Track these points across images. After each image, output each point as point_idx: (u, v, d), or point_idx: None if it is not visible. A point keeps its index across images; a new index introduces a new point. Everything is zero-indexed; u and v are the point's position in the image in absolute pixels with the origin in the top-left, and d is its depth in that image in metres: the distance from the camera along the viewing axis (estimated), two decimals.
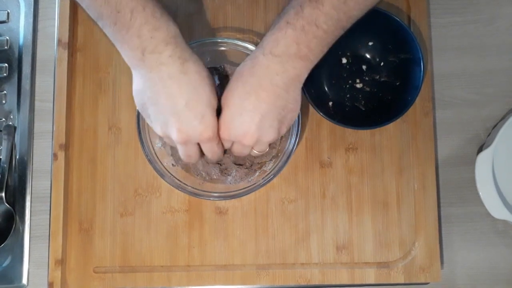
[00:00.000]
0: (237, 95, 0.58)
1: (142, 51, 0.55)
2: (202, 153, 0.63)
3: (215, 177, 0.70)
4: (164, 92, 0.56)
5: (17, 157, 0.74)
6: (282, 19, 0.56)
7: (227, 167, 0.69)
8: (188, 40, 0.69)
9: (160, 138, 0.68)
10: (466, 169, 0.73)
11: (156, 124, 0.59)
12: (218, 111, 0.60)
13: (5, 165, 0.72)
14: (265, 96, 0.57)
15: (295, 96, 0.59)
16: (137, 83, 0.59)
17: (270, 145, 0.66)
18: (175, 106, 0.56)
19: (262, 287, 0.71)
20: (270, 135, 0.60)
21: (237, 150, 0.63)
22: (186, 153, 0.61)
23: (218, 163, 0.70)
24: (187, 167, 0.70)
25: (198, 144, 0.61)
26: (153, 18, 0.55)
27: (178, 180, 0.68)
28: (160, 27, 0.55)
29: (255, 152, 0.64)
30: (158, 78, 0.56)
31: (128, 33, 0.54)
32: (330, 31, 0.56)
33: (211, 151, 0.61)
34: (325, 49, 0.58)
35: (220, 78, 0.71)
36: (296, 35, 0.55)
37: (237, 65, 0.70)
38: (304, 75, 0.58)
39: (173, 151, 0.70)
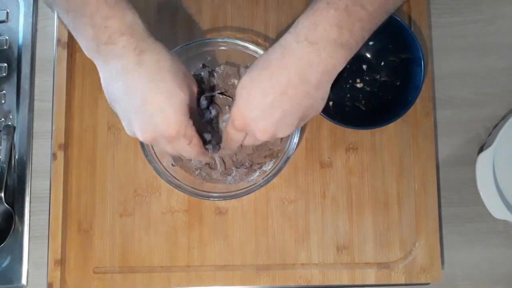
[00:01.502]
0: (259, 87, 0.52)
1: (97, 42, 0.51)
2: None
3: (215, 177, 0.69)
4: (122, 87, 0.51)
5: (16, 157, 0.74)
6: (322, 0, 0.50)
7: (230, 166, 0.69)
8: (188, 40, 0.69)
9: None
10: (467, 169, 0.73)
11: (123, 123, 0.55)
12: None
13: (4, 165, 0.72)
14: (292, 94, 0.51)
15: (324, 94, 0.53)
16: (102, 77, 0.54)
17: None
18: (133, 102, 0.51)
19: (262, 287, 0.71)
20: (285, 132, 0.55)
21: (249, 141, 0.59)
22: (169, 151, 0.57)
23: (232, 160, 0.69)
24: (186, 167, 0.70)
25: None
26: (106, 5, 0.50)
27: (178, 180, 0.68)
28: (114, 16, 0.50)
29: (250, 142, 0.59)
30: (115, 72, 0.51)
31: (81, 22, 0.50)
32: (375, 14, 0.50)
33: (183, 151, 0.56)
34: (367, 36, 0.52)
35: (219, 80, 0.71)
36: (338, 16, 0.48)
37: (237, 65, 0.71)
38: (340, 68, 0.52)
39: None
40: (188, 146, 0.55)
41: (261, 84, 0.52)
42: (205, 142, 0.66)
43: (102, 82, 0.54)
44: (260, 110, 0.52)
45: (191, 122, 0.54)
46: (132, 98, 0.51)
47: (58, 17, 0.54)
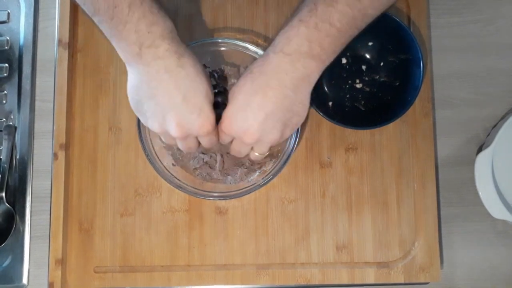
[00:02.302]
0: (243, 92, 0.58)
1: (139, 46, 0.55)
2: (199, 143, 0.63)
3: (215, 177, 0.70)
4: (162, 87, 0.56)
5: (18, 157, 0.74)
6: (295, 17, 0.56)
7: (229, 166, 0.70)
8: (188, 40, 0.69)
9: (161, 137, 0.69)
10: (466, 169, 0.73)
11: (153, 120, 0.59)
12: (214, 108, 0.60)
13: (5, 165, 0.73)
14: (271, 95, 0.56)
15: (303, 99, 0.58)
16: (133, 79, 0.58)
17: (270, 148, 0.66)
18: (172, 100, 0.56)
19: (262, 287, 0.71)
20: (271, 136, 0.59)
21: (236, 148, 0.63)
22: (186, 145, 0.61)
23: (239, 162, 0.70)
24: (186, 167, 0.70)
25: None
26: (151, 13, 0.55)
27: (178, 180, 0.68)
28: (157, 22, 0.55)
29: (255, 154, 0.64)
30: (155, 72, 0.56)
31: (125, 28, 0.54)
32: (344, 30, 0.55)
33: (209, 142, 0.62)
34: (338, 50, 0.57)
35: (219, 80, 0.71)
36: (309, 33, 0.54)
37: (237, 66, 0.71)
38: (315, 77, 0.57)
39: (173, 151, 0.70)
40: (215, 138, 0.61)
41: (245, 87, 0.58)
42: None
43: (132, 83, 0.58)
44: (244, 112, 0.57)
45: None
46: (172, 96, 0.56)
47: (95, 24, 0.58)
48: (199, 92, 0.57)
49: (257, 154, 0.64)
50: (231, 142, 0.63)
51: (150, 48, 0.55)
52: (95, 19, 0.56)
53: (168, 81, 0.56)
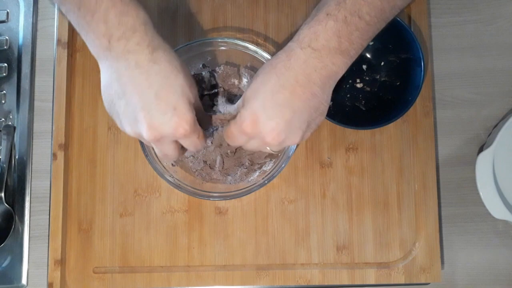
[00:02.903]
0: (269, 88, 0.53)
1: (109, 38, 0.50)
2: (183, 148, 0.58)
3: (215, 177, 0.69)
4: (132, 83, 0.51)
5: (17, 157, 0.74)
6: (322, 11, 0.52)
7: (229, 166, 0.69)
8: (188, 40, 0.69)
9: None
10: (467, 169, 0.73)
11: (125, 122, 0.53)
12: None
13: (4, 165, 0.72)
14: (300, 92, 0.53)
15: (328, 97, 0.55)
16: (104, 76, 0.53)
17: None
18: (143, 99, 0.51)
19: (262, 287, 0.71)
20: (295, 138, 0.55)
21: (253, 146, 0.58)
22: (163, 152, 0.57)
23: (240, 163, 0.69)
24: (186, 167, 0.70)
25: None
26: (121, 2, 0.50)
27: (178, 180, 0.68)
28: (128, 12, 0.50)
29: (267, 148, 0.59)
30: (124, 68, 0.51)
31: (93, 18, 0.50)
32: (373, 23, 0.53)
33: (193, 145, 0.56)
34: (365, 44, 0.54)
35: (219, 80, 0.71)
36: (338, 27, 0.51)
37: (237, 65, 0.71)
38: (342, 73, 0.54)
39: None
40: (198, 140, 0.56)
41: (271, 84, 0.53)
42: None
43: (103, 79, 0.54)
44: (271, 109, 0.53)
45: (196, 118, 0.55)
46: (143, 94, 0.51)
47: (62, 14, 0.52)
48: (173, 89, 0.51)
49: (269, 149, 0.59)
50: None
51: (119, 40, 0.50)
52: (63, 9, 0.52)
53: (138, 77, 0.51)
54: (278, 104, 0.53)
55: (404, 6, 0.55)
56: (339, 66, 0.53)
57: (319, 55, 0.52)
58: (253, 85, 0.55)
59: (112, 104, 0.54)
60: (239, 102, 0.59)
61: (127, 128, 0.54)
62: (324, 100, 0.55)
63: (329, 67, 0.53)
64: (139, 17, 0.51)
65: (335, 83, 0.55)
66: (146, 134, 0.52)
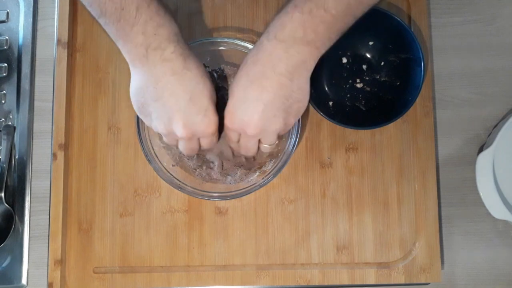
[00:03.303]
0: (241, 84, 0.58)
1: (146, 48, 0.55)
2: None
3: (215, 177, 0.69)
4: (168, 88, 0.57)
5: (17, 157, 0.74)
6: (290, 3, 0.55)
7: (229, 166, 0.69)
8: (188, 40, 0.69)
9: (161, 137, 0.68)
10: (467, 169, 0.73)
11: (158, 121, 0.59)
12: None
13: (4, 165, 0.72)
14: (267, 84, 0.56)
15: (301, 85, 0.58)
16: (137, 81, 0.58)
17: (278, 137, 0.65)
18: (179, 102, 0.57)
19: (262, 287, 0.71)
20: (275, 125, 0.59)
21: (244, 144, 0.63)
22: (189, 147, 0.62)
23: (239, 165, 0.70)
24: (186, 167, 0.70)
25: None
26: (157, 15, 0.55)
27: (178, 180, 0.68)
28: (163, 24, 0.55)
29: (264, 146, 0.63)
30: (161, 74, 0.56)
31: (132, 30, 0.55)
32: (339, 17, 0.54)
33: (210, 143, 0.63)
34: (334, 37, 0.56)
35: (219, 80, 0.71)
36: (303, 18, 0.54)
37: (237, 66, 0.71)
38: (311, 63, 0.57)
39: (173, 151, 0.70)
40: (215, 140, 0.63)
41: (242, 80, 0.58)
42: None
43: (136, 84, 0.59)
44: (244, 105, 0.58)
45: None
46: (179, 98, 0.57)
47: (101, 25, 0.58)
48: (204, 93, 0.58)
49: (266, 145, 0.63)
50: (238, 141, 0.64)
51: (156, 50, 0.55)
52: (101, 21, 0.57)
53: (174, 83, 0.56)
54: (248, 99, 0.57)
55: (372, 4, 0.56)
56: (306, 56, 0.56)
57: (284, 46, 0.55)
58: (232, 84, 0.60)
59: (145, 105, 0.59)
60: None
61: (161, 126, 0.59)
62: (296, 88, 0.57)
63: (295, 57, 0.55)
64: (172, 29, 0.56)
65: (309, 71, 0.58)
66: (181, 132, 0.58)
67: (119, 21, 0.55)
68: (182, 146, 0.62)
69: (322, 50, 0.57)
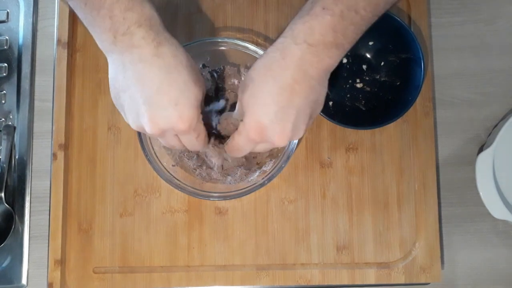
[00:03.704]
0: (267, 91, 0.53)
1: (114, 33, 0.51)
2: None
3: (215, 177, 0.69)
4: (135, 77, 0.52)
5: (17, 157, 0.74)
6: (318, 4, 0.52)
7: (229, 167, 0.69)
8: (188, 40, 0.69)
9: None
10: (467, 169, 0.73)
11: (129, 115, 0.55)
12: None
13: (4, 165, 0.72)
14: (299, 90, 0.53)
15: (325, 88, 0.56)
16: (111, 70, 0.55)
17: None
18: (145, 93, 0.52)
19: (262, 287, 0.71)
20: (300, 132, 0.55)
21: (260, 149, 0.59)
22: (168, 144, 0.58)
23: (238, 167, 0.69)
24: (186, 167, 0.70)
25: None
26: None
27: (178, 180, 0.68)
28: (133, 7, 0.51)
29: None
30: (129, 62, 0.52)
31: (99, 14, 0.51)
32: (367, 18, 0.53)
33: (190, 144, 0.58)
34: (358, 37, 0.54)
35: (219, 80, 0.71)
36: (334, 22, 0.51)
37: (237, 65, 0.71)
38: (335, 65, 0.55)
39: (173, 151, 0.70)
40: (196, 140, 0.57)
41: (268, 87, 0.53)
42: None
43: (110, 73, 0.55)
44: (274, 113, 0.53)
45: (201, 117, 0.56)
46: (145, 88, 0.52)
47: (72, 9, 0.55)
48: (176, 84, 0.52)
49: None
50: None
51: (124, 35, 0.51)
52: (71, 4, 0.54)
53: (141, 71, 0.52)
54: (280, 107, 0.53)
55: (396, 1, 0.55)
56: (334, 59, 0.53)
57: (314, 50, 0.52)
58: (250, 90, 0.54)
59: (117, 97, 0.55)
60: (238, 108, 0.59)
61: (130, 121, 0.55)
62: (323, 92, 0.56)
63: (325, 61, 0.53)
64: (144, 12, 0.52)
65: (330, 73, 0.56)
66: (147, 128, 0.53)
67: (86, 4, 0.51)
68: (162, 142, 0.58)
69: (347, 50, 0.54)
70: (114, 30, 0.51)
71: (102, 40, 0.53)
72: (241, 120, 0.56)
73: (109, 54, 0.54)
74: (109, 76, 0.55)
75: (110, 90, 0.56)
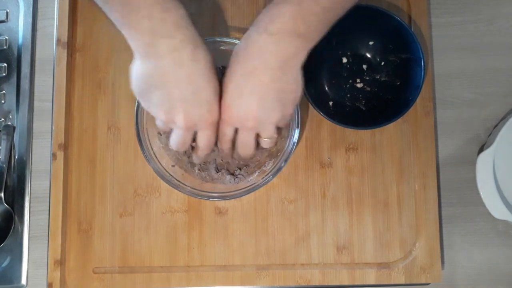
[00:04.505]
0: (234, 79, 0.57)
1: (153, 35, 0.54)
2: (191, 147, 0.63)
3: (215, 177, 0.69)
4: (174, 80, 0.56)
5: (16, 157, 0.74)
6: None
7: (229, 167, 0.69)
8: None
9: (159, 136, 0.68)
10: (467, 169, 0.73)
11: (159, 108, 0.58)
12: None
13: (4, 165, 0.72)
14: (261, 78, 0.56)
15: (294, 76, 0.58)
16: (142, 67, 0.57)
17: (278, 131, 0.64)
18: (183, 93, 0.56)
19: (262, 287, 0.71)
20: (273, 116, 0.59)
21: (242, 139, 0.62)
22: (182, 139, 0.61)
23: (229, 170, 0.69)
24: (186, 168, 0.70)
25: None
26: (163, 0, 0.53)
27: (178, 180, 0.68)
28: (170, 9, 0.53)
29: (265, 140, 0.63)
30: (168, 66, 0.55)
31: (137, 15, 0.53)
32: (329, 9, 0.54)
33: (207, 139, 0.61)
34: (325, 29, 0.56)
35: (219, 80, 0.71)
36: (293, 10, 0.53)
37: None
38: (302, 55, 0.56)
39: (172, 151, 0.70)
40: (212, 135, 0.61)
41: (235, 75, 0.57)
42: None
43: (140, 70, 0.57)
44: (240, 99, 0.57)
45: None
46: (184, 89, 0.56)
47: (106, 13, 0.56)
48: (209, 86, 0.57)
49: (267, 140, 0.63)
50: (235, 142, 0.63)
51: (164, 38, 0.54)
52: (106, 8, 0.55)
53: (181, 75, 0.55)
54: (244, 93, 0.57)
55: None
56: (297, 49, 0.55)
57: (274, 39, 0.54)
58: (225, 79, 0.59)
59: (147, 91, 0.58)
60: None
61: (160, 112, 0.58)
62: (290, 80, 0.57)
63: (287, 50, 0.55)
64: (179, 12, 0.54)
65: (301, 63, 0.57)
66: (181, 121, 0.57)
67: (124, 6, 0.53)
68: (175, 137, 0.61)
69: (314, 42, 0.56)
70: (153, 31, 0.53)
71: (139, 42, 0.55)
72: None
73: (143, 53, 0.56)
74: (138, 70, 0.57)
75: (136, 84, 0.58)
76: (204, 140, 0.61)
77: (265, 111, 0.58)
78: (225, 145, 0.63)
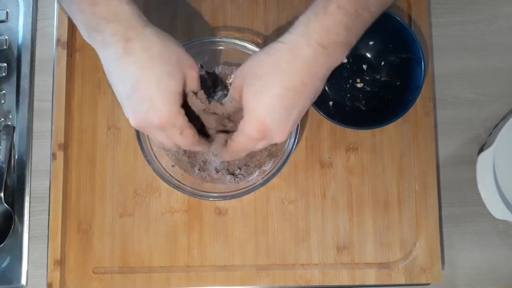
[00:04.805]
0: (274, 91, 0.52)
1: (88, 28, 0.51)
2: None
3: (215, 177, 0.69)
4: (114, 74, 0.53)
5: (16, 157, 0.74)
6: (333, 2, 0.50)
7: (229, 166, 0.69)
8: (187, 40, 0.69)
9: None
10: (467, 169, 0.73)
11: (123, 107, 0.55)
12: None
13: (4, 165, 0.72)
14: (305, 92, 0.52)
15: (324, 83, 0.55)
16: (101, 60, 0.55)
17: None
18: (125, 89, 0.52)
19: (262, 287, 0.71)
20: (295, 126, 0.56)
21: (259, 147, 0.58)
22: (158, 141, 0.58)
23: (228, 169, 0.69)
24: (186, 168, 0.70)
25: None
26: None
27: (177, 180, 0.67)
28: (98, 2, 0.50)
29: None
30: (107, 60, 0.53)
31: (71, 7, 0.51)
32: (375, 16, 0.52)
33: (176, 141, 0.56)
34: (362, 33, 0.54)
35: (217, 80, 0.70)
36: (348, 21, 0.50)
37: (236, 64, 0.70)
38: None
39: (172, 151, 0.70)
40: (180, 136, 0.55)
41: (275, 87, 0.52)
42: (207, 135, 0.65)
43: (103, 65, 0.55)
44: (279, 113, 0.52)
45: (182, 111, 0.54)
46: (124, 85, 0.52)
47: (61, 7, 0.55)
48: (149, 80, 0.51)
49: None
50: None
51: (96, 32, 0.51)
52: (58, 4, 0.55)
53: (118, 69, 0.52)
54: (285, 108, 0.52)
55: None
56: (341, 57, 0.53)
57: (327, 52, 0.51)
58: (254, 87, 0.53)
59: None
60: (231, 99, 0.58)
61: (124, 111, 0.55)
62: (321, 88, 0.55)
63: (333, 59, 0.52)
64: (111, 6, 0.51)
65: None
66: (132, 122, 0.54)
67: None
68: (157, 137, 0.57)
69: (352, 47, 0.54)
70: (87, 25, 0.51)
71: (83, 34, 0.53)
72: (240, 118, 0.55)
73: (93, 46, 0.54)
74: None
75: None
76: (175, 141, 0.57)
77: (294, 126, 0.55)
78: (236, 157, 0.60)
